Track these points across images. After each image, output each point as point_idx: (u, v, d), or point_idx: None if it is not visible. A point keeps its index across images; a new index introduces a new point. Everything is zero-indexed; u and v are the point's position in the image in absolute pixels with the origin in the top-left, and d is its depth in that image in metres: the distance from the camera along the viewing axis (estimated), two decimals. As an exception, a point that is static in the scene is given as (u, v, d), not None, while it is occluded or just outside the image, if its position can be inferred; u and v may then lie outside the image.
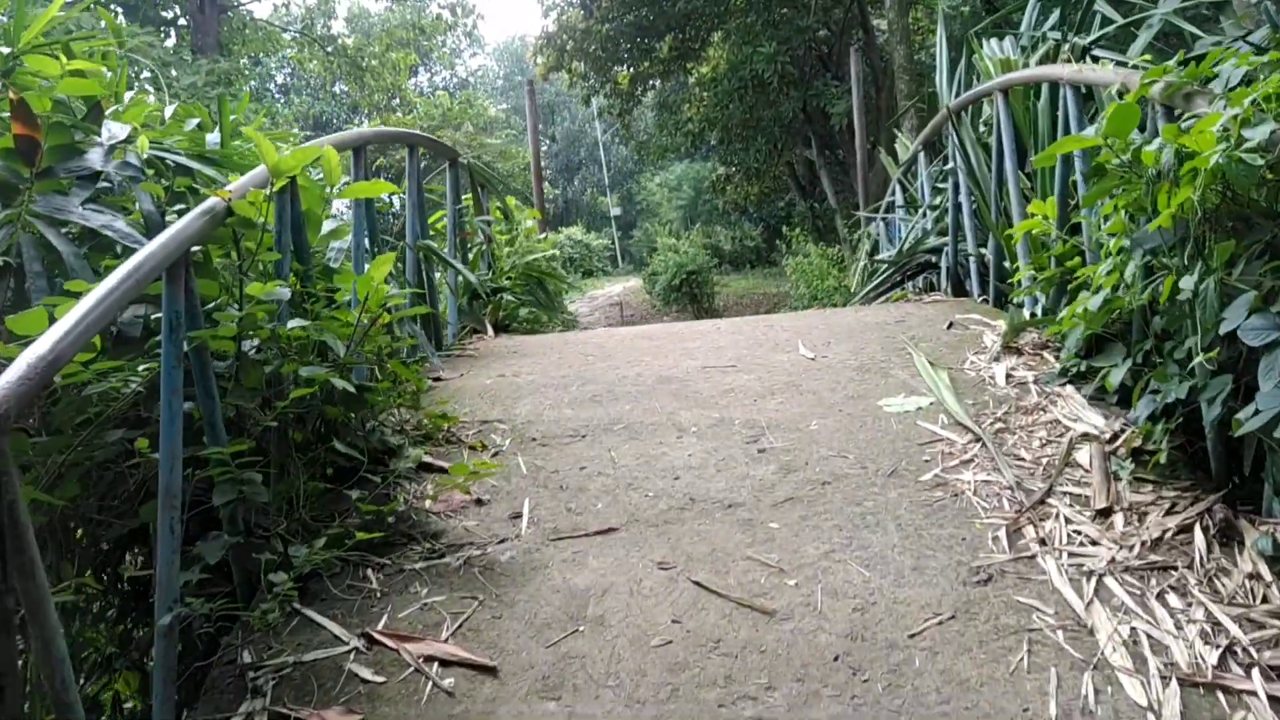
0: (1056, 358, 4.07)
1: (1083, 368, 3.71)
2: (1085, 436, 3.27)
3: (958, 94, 6.94)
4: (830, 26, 20.93)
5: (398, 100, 24.84)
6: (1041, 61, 5.95)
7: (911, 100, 16.65)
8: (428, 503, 3.32)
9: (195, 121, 4.14)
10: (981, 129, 6.24)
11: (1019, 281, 4.64)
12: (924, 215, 6.79)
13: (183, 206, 3.45)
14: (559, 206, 40.12)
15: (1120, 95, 3.40)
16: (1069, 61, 6.01)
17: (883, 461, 3.34)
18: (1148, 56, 4.08)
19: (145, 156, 3.41)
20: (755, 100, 20.89)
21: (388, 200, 5.86)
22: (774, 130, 21.88)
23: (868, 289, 6.83)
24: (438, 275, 5.87)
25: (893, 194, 8.06)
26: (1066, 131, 4.22)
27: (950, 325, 4.94)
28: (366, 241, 4.54)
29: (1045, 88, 5.09)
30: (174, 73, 18.25)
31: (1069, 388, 3.73)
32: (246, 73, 19.00)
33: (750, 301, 24.95)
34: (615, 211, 38.13)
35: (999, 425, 3.54)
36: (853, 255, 20.23)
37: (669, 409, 4.02)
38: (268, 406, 3.05)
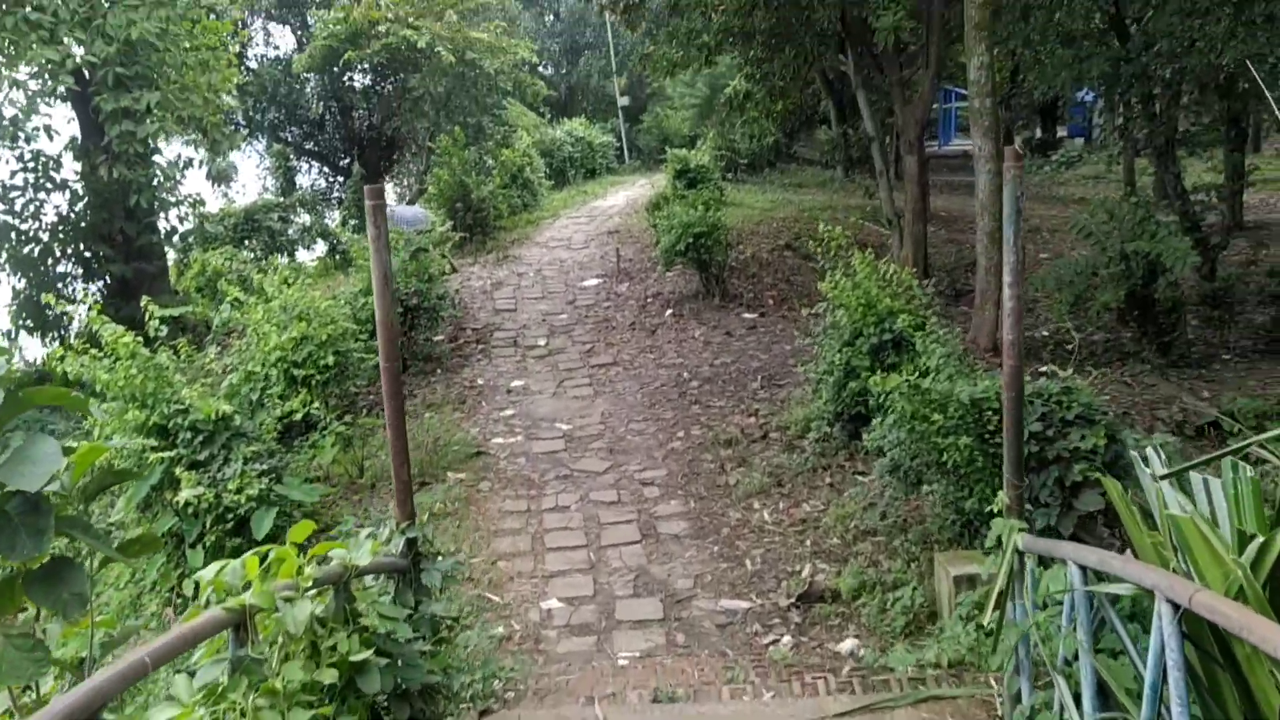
0: None
1: None
2: None
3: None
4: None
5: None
6: None
7: (984, 29, 12.54)
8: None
9: None
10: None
11: None
12: None
13: None
14: (562, 94, 35.29)
15: None
16: None
17: None
18: None
19: None
20: (784, 4, 16.47)
21: None
22: (806, 42, 17.50)
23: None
24: None
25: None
26: None
27: None
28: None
29: None
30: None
31: None
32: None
33: (770, 230, 20.98)
34: (623, 101, 33.38)
35: None
36: (894, 229, 16.30)
37: None
38: None
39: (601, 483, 9.41)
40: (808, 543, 7.84)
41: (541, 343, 14.05)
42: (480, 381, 12.68)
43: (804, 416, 9.87)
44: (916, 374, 7.19)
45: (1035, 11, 15.65)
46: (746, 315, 14.39)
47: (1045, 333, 13.00)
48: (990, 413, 6.62)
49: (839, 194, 25.62)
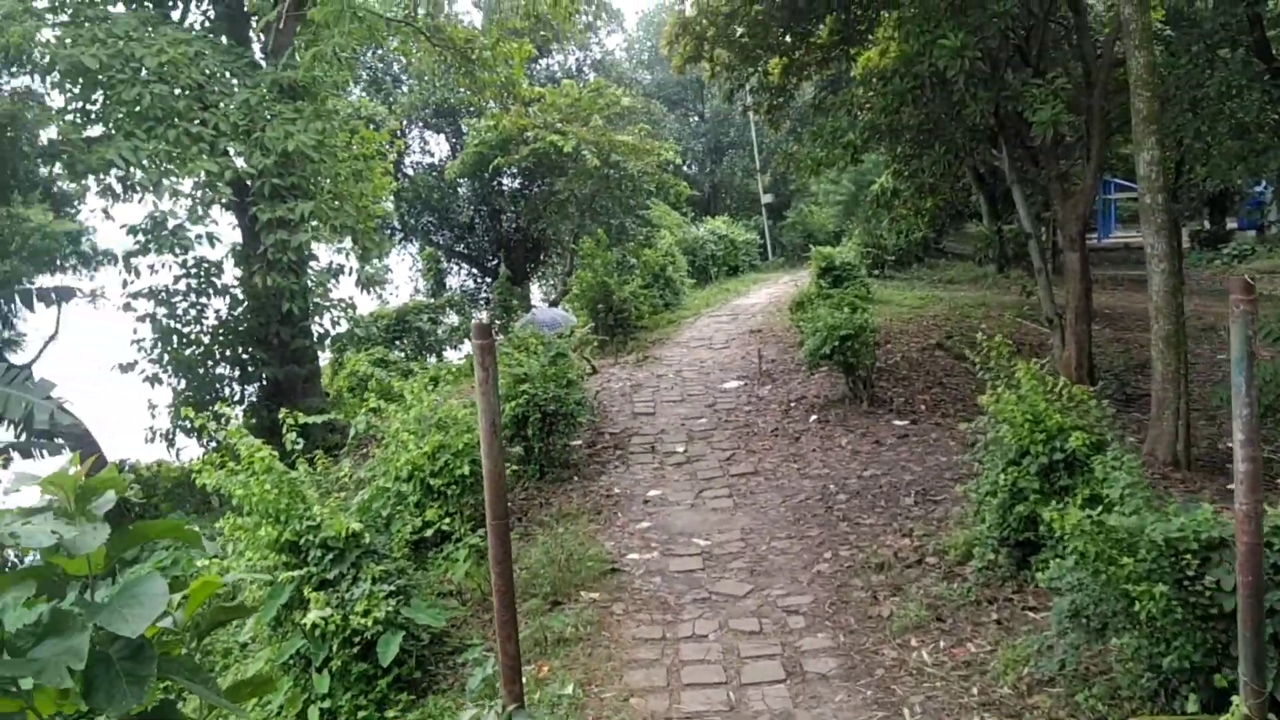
0: None
1: None
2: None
3: None
4: (1031, 8, 15.65)
5: (511, 97, 20.72)
6: None
7: (1153, 122, 11.72)
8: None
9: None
10: None
11: None
12: None
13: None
14: (705, 192, 35.44)
15: None
16: None
17: None
18: None
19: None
20: (934, 99, 15.91)
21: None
22: (956, 137, 16.85)
23: None
24: None
25: None
26: None
27: None
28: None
29: None
30: (234, 84, 14.56)
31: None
32: (327, 76, 15.12)
33: (919, 328, 20.14)
34: (766, 199, 33.21)
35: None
36: (1054, 329, 15.30)
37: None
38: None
39: (742, 609, 8.75)
40: (974, 690, 6.98)
41: (680, 449, 13.57)
42: (616, 490, 12.25)
43: (965, 540, 9.01)
44: (1100, 508, 6.35)
45: (1203, 103, 14.66)
46: (897, 422, 13.59)
47: (1230, 445, 11.76)
48: (1189, 555, 5.75)
49: (992, 290, 24.57)
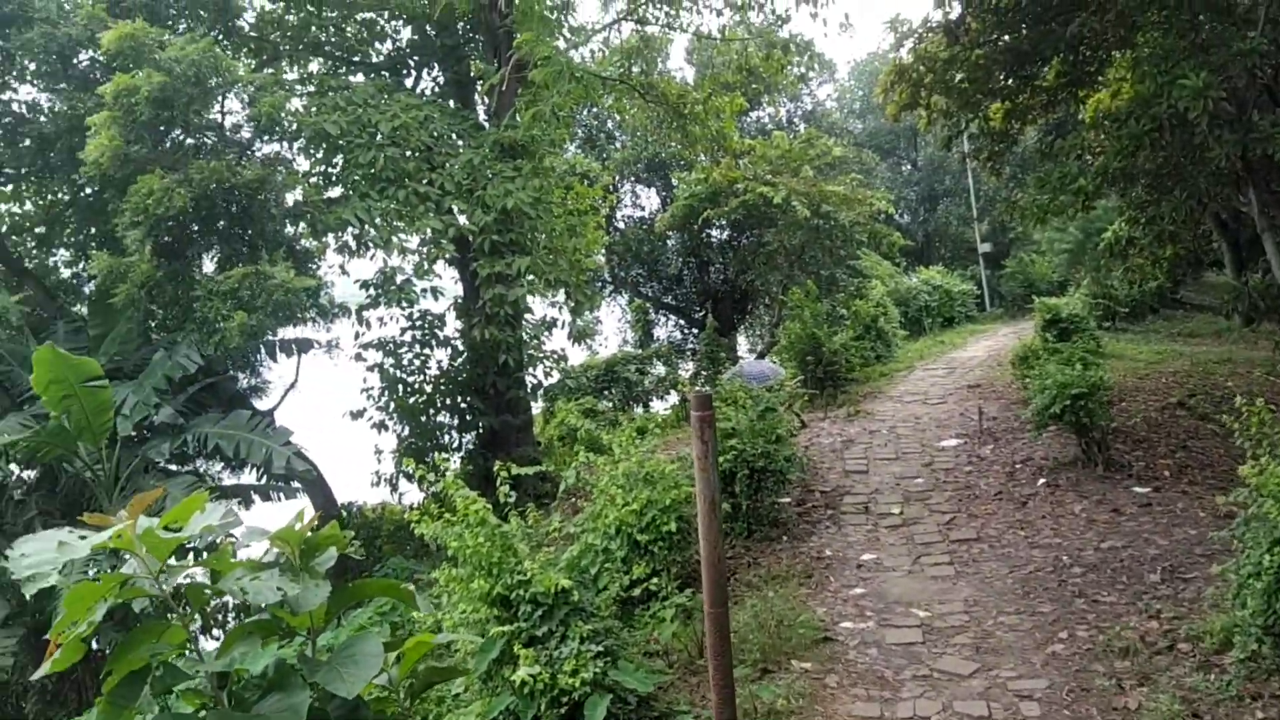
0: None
1: None
2: None
3: None
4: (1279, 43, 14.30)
5: (721, 150, 20.80)
6: None
7: None
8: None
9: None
10: None
11: None
12: None
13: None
14: (918, 241, 34.44)
15: None
16: None
17: None
18: None
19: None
20: (1173, 142, 14.78)
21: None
22: (1198, 181, 15.55)
23: None
24: None
25: None
26: None
27: None
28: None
29: None
30: (459, 145, 15.28)
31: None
32: (545, 135, 15.66)
33: (1158, 386, 18.65)
34: (984, 248, 31.89)
35: None
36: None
37: None
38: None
39: (968, 690, 8.13)
40: (1242, 803, 6.17)
41: (895, 511, 12.96)
42: (828, 552, 11.79)
43: (1223, 626, 8.07)
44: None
45: None
46: (1137, 489, 12.49)
47: None
48: None
49: (1238, 345, 22.55)
